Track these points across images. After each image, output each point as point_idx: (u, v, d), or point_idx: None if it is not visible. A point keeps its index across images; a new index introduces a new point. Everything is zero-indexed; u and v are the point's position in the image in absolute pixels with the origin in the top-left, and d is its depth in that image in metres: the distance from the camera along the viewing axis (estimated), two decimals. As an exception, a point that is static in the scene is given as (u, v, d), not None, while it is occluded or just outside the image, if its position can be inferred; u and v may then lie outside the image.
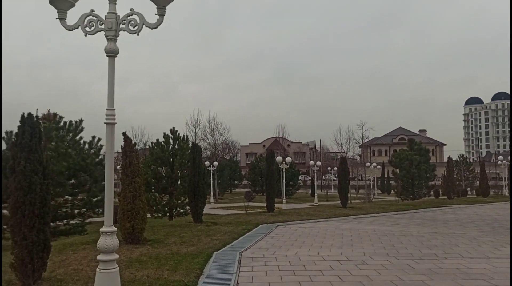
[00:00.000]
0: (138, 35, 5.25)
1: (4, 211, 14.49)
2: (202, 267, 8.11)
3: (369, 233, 13.52)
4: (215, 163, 39.31)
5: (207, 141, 46.00)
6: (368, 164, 54.23)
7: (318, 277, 7.55)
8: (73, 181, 15.70)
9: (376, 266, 8.38)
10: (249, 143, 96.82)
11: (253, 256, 9.38)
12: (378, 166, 57.35)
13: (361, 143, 52.74)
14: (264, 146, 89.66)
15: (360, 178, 57.60)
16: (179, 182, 20.45)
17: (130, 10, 5.22)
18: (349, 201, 26.69)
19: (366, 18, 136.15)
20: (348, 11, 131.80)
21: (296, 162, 62.26)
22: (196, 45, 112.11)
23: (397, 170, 37.75)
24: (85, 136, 16.60)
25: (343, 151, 51.65)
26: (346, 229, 14.48)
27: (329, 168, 66.92)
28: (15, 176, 6.57)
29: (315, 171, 40.04)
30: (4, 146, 15.44)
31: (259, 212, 22.18)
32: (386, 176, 60.37)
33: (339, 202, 26.43)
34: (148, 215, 13.53)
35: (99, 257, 5.12)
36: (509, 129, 47.82)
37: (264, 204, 23.13)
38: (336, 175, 44.66)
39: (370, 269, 8.11)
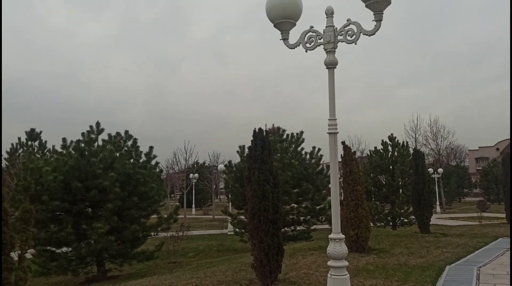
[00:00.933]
0: (355, 44, 5.28)
1: (241, 217, 16.44)
2: (434, 281, 7.55)
3: None
4: (440, 170, 36.71)
5: (429, 146, 43.18)
6: None
7: None
8: (297, 190, 16.75)
9: None
10: (479, 147, 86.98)
11: (494, 273, 8.29)
12: None
13: None
14: (497, 149, 79.34)
15: None
16: (400, 190, 19.79)
17: (347, 20, 5.29)
18: None
19: None
20: None
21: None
22: (410, 46, 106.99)
23: None
24: (306, 146, 17.57)
25: None
26: None
27: None
28: (251, 185, 7.32)
29: None
30: (237, 159, 17.54)
31: (496, 223, 19.71)
32: None
33: None
34: (371, 224, 13.40)
35: (329, 263, 5.25)
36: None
37: (502, 215, 20.42)
38: None
39: None
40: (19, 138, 28.74)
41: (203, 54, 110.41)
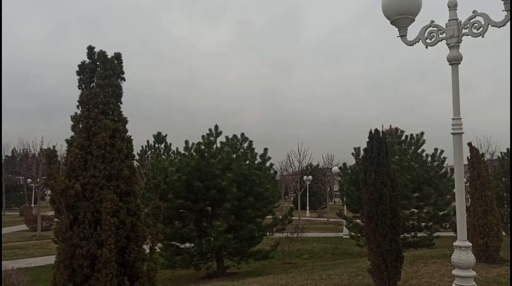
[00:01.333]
0: (483, 37, 4.88)
1: (357, 220, 16.05)
2: None
3: None
4: None
5: None
6: None
7: None
8: (417, 194, 15.88)
9: None
10: None
11: None
12: None
13: None
14: None
15: None
16: (538, 196, 17.71)
17: (473, 12, 4.92)
18: None
19: None
20: None
21: None
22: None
23: None
24: (427, 148, 16.55)
25: None
26: None
27: None
28: (367, 188, 7.13)
29: None
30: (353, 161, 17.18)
31: None
32: None
33: None
34: (503, 233, 12.20)
35: (454, 272, 4.91)
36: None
37: None
38: None
39: None
40: (147, 141, 31.60)
41: (316, 56, 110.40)
